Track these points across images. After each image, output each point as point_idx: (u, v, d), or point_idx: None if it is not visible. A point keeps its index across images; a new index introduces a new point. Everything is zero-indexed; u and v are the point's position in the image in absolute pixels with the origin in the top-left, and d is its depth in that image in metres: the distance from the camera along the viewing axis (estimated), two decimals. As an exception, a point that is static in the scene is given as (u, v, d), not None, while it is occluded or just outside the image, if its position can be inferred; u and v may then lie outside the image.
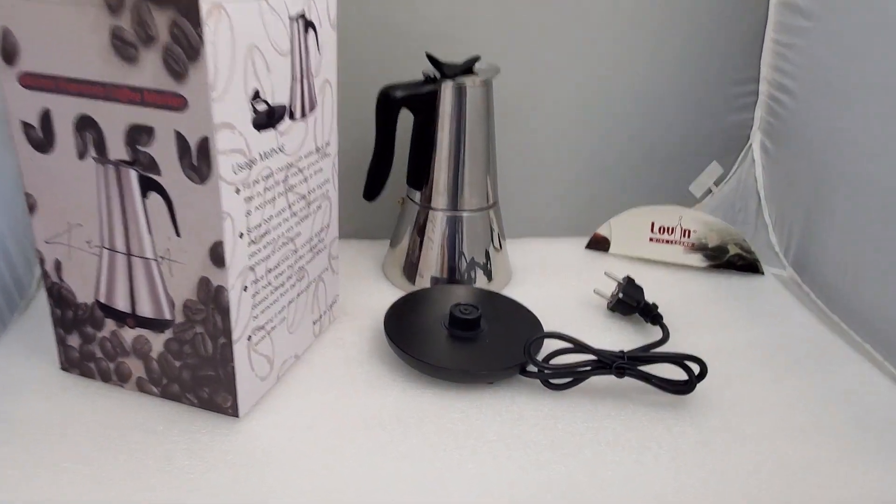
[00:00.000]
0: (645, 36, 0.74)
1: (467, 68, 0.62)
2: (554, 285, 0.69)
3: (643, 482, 0.44)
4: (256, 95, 0.42)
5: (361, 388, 0.52)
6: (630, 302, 0.62)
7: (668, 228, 0.72)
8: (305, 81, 0.48)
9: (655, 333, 0.60)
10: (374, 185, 0.64)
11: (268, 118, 0.44)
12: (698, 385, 0.51)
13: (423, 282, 0.66)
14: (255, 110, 0.42)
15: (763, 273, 0.72)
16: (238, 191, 0.42)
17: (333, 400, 0.51)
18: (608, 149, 0.77)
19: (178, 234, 0.42)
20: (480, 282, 0.66)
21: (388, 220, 0.71)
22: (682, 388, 0.52)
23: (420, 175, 0.64)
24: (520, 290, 0.67)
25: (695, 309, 0.66)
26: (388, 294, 0.65)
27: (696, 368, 0.52)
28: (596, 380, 0.53)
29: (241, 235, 0.43)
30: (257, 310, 0.47)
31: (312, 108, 0.49)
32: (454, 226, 0.64)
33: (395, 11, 0.69)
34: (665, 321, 0.60)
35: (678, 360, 0.52)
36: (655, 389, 0.52)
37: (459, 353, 0.54)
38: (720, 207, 0.80)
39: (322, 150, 0.52)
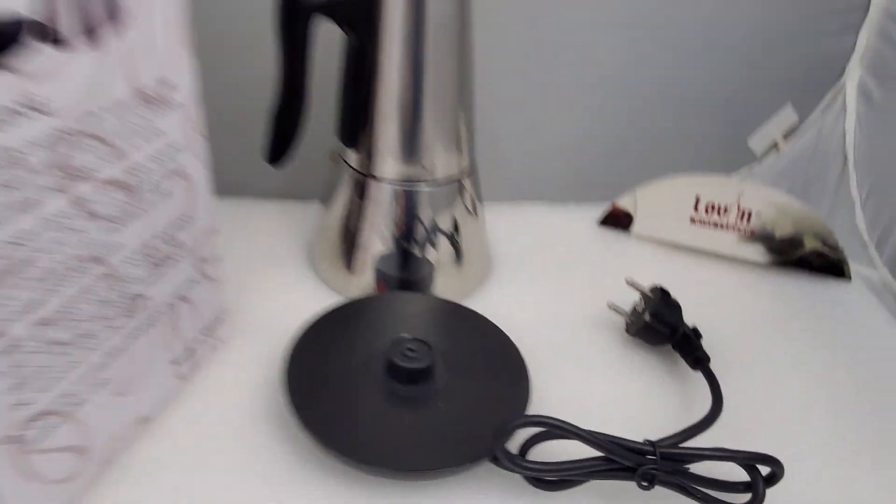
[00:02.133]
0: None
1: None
2: (549, 288, 0.48)
3: None
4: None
5: (242, 482, 0.33)
6: (660, 329, 0.42)
7: (719, 207, 0.50)
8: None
9: (693, 386, 0.40)
10: (279, 142, 0.41)
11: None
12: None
13: (361, 280, 0.45)
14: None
15: (849, 278, 0.51)
16: None
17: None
18: (636, 81, 0.54)
19: None
20: (445, 280, 0.45)
21: (324, 173, 0.49)
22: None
23: (353, 126, 0.42)
24: (498, 297, 0.47)
25: (752, 332, 0.45)
26: (313, 295, 0.45)
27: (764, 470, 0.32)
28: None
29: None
30: (26, 390, 0.26)
31: (115, 18, 0.26)
32: (407, 205, 0.43)
33: None
34: (713, 361, 0.40)
35: (743, 461, 0.32)
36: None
37: (398, 428, 0.34)
38: (786, 173, 0.58)
39: (154, 96, 0.29)
